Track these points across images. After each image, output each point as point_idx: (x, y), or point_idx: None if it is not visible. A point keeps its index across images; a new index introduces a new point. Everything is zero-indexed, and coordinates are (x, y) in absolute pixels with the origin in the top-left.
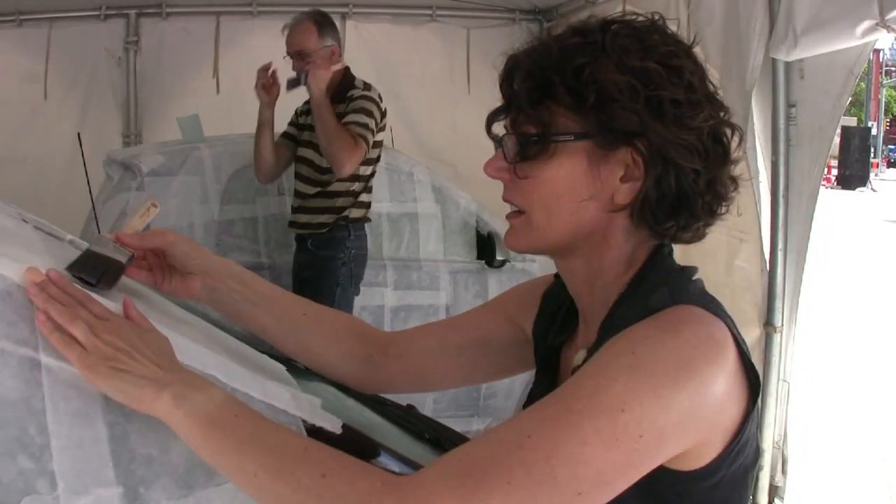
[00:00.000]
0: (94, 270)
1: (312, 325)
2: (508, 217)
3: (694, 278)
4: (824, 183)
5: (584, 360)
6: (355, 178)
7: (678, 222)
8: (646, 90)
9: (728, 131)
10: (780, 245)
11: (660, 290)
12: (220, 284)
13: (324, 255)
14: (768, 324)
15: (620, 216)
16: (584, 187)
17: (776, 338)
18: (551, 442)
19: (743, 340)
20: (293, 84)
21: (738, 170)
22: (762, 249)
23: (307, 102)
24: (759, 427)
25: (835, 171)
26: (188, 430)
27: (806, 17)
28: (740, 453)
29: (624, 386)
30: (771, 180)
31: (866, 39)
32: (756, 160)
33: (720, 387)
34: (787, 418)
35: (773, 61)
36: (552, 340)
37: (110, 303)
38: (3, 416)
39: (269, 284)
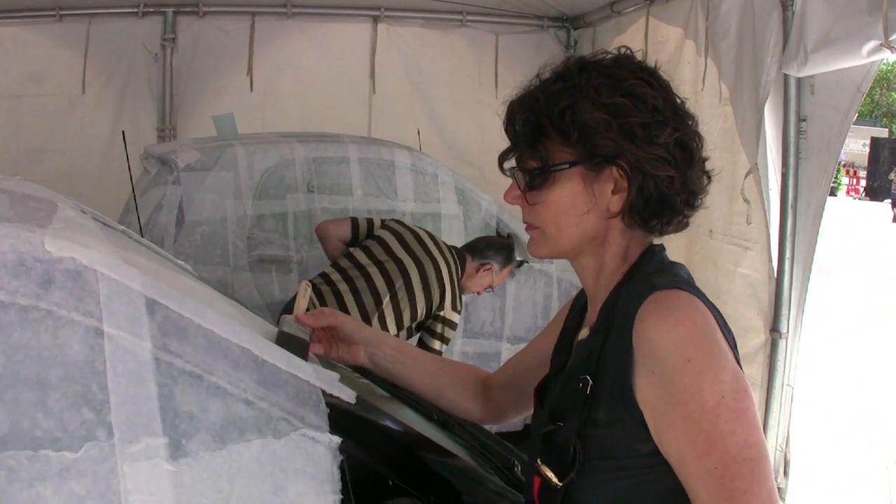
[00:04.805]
0: (292, 347)
1: (446, 376)
2: (527, 230)
3: (681, 270)
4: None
5: (587, 336)
6: None
7: (661, 219)
8: (617, 120)
9: (695, 138)
10: (788, 254)
11: (659, 275)
12: (378, 351)
13: None
14: (774, 330)
15: (615, 221)
16: (583, 203)
17: (781, 343)
18: (726, 456)
19: (717, 310)
20: None
21: (709, 165)
22: (770, 258)
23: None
24: (763, 429)
25: (863, 182)
26: None
27: (816, 35)
28: None
29: (708, 385)
30: (781, 191)
31: (872, 59)
32: (768, 172)
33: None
34: (791, 422)
35: (785, 76)
36: (568, 325)
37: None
38: (70, 375)
39: (413, 348)
